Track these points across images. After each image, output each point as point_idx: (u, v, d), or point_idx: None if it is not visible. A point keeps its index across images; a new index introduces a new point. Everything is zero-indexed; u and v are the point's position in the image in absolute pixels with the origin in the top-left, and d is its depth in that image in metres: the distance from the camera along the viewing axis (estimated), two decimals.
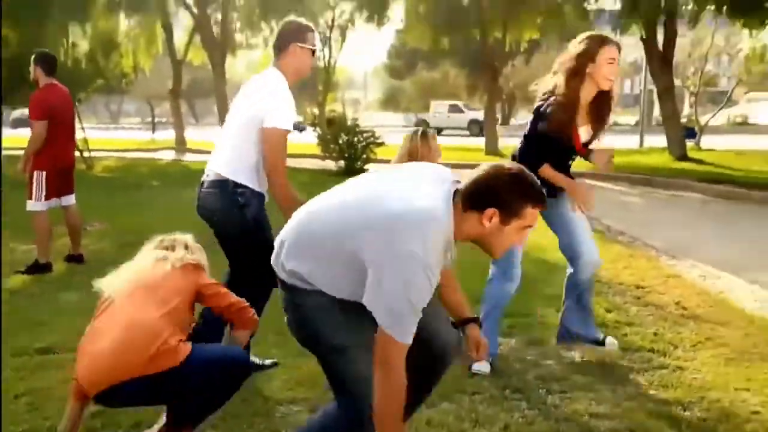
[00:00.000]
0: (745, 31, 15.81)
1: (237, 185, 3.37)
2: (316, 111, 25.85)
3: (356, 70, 62.87)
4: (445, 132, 30.64)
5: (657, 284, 5.43)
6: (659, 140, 17.79)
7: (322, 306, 2.22)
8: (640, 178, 13.02)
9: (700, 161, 15.29)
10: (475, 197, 2.11)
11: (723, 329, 4.32)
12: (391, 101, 45.73)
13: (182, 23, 25.48)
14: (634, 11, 13.93)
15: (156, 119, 38.09)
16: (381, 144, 14.03)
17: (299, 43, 3.51)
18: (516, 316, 4.47)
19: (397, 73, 43.70)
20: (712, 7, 13.35)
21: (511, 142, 21.07)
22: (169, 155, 21.00)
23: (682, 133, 16.61)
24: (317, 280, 2.19)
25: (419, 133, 4.02)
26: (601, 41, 3.57)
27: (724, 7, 12.92)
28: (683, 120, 21.98)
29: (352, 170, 13.07)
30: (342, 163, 14.08)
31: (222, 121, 21.38)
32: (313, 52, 3.62)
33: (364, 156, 13.97)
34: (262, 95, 3.43)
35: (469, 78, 27.30)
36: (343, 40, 28.46)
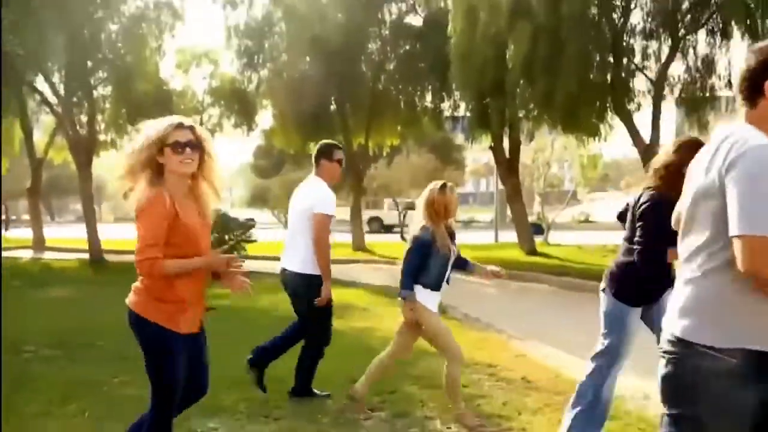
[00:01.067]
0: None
1: (312, 276, 4.73)
2: None
3: (222, 168, 63.07)
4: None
5: (507, 363, 6.17)
6: (513, 236, 19.34)
7: (719, 374, 1.95)
8: None
9: (547, 255, 16.81)
10: (747, 92, 2.04)
11: (558, 397, 5.07)
12: (257, 199, 46.15)
13: (42, 122, 25.05)
14: (482, 123, 15.50)
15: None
16: (253, 241, 14.40)
17: (327, 159, 5.02)
18: (383, 393, 5.03)
19: (264, 172, 44.40)
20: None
21: (373, 238, 22.06)
22: (26, 254, 20.23)
23: (530, 230, 18.22)
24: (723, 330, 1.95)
25: (438, 185, 4.55)
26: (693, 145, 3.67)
27: (558, 125, 14.72)
28: (533, 217, 24.01)
29: None
30: None
31: (86, 219, 21.08)
32: (340, 162, 5.09)
33: (235, 252, 14.28)
34: (308, 192, 4.94)
35: None
36: None
